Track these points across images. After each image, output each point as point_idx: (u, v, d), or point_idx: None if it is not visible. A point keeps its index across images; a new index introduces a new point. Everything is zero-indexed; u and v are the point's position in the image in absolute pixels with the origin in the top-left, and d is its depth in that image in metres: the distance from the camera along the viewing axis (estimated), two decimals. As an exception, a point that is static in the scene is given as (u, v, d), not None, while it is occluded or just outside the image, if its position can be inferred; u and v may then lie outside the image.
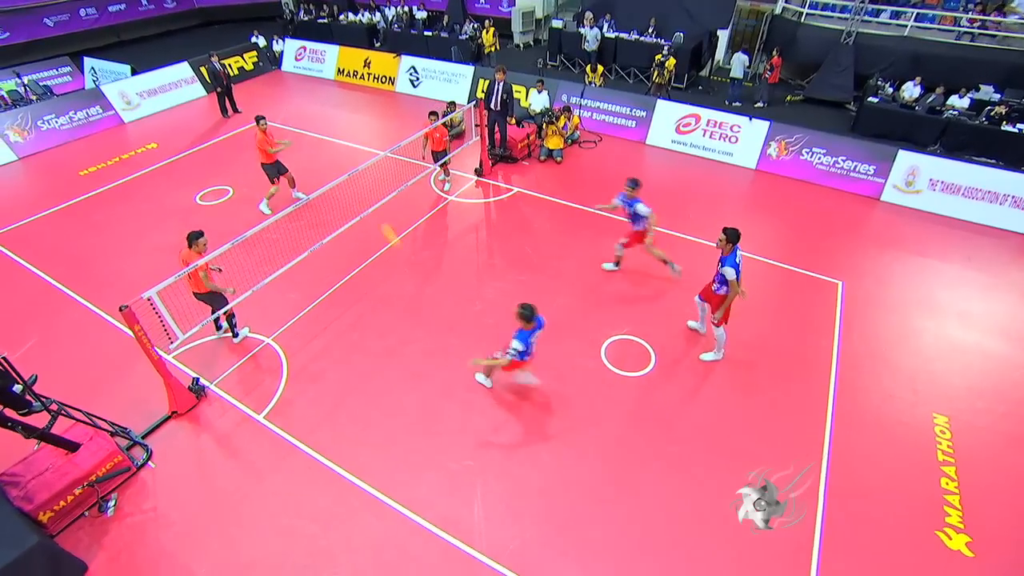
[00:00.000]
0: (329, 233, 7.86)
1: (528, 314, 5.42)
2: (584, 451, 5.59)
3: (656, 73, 13.00)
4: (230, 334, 6.97)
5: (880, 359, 6.69)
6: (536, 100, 11.60)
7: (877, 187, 9.98)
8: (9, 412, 4.71)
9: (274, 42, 17.15)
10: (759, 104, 13.48)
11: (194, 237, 6.10)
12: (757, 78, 14.38)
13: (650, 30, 14.72)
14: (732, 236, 5.74)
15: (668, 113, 11.50)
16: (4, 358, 4.53)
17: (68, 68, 16.35)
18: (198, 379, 6.29)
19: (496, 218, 9.49)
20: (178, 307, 6.48)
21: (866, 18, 13.07)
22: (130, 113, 13.90)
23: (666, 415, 5.97)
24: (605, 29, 15.11)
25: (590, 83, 13.11)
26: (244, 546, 4.88)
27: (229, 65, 15.77)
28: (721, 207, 9.66)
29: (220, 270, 6.74)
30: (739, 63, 13.60)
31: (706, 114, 11.11)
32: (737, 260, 5.83)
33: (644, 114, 11.75)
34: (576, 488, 5.27)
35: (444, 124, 9.68)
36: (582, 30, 14.95)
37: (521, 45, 18.30)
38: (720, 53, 15.29)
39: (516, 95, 12.98)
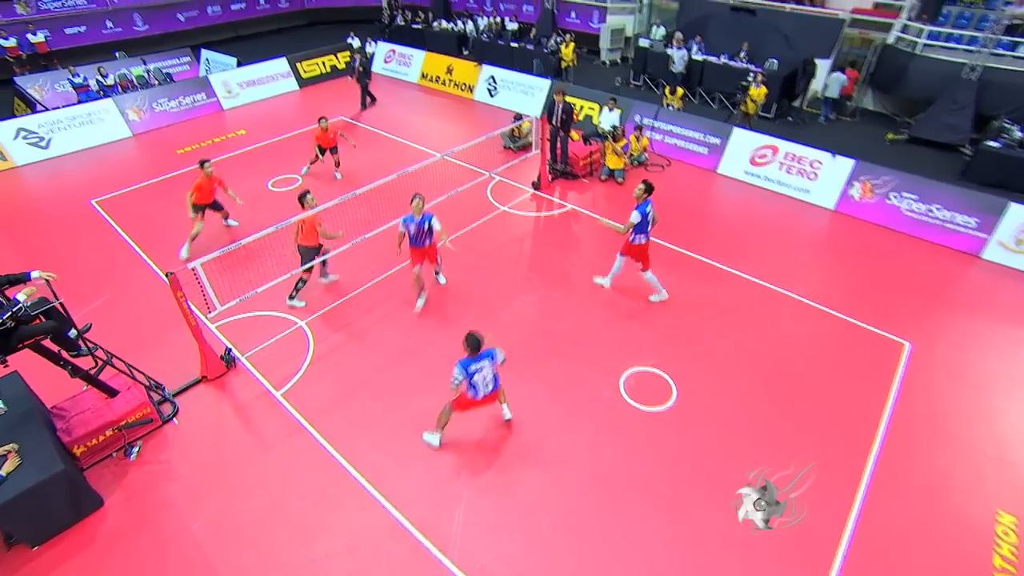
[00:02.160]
0: (378, 226, 8.38)
1: (473, 343, 5.23)
2: (578, 480, 5.58)
3: (741, 100, 12.70)
4: (333, 276, 8.20)
5: (942, 433, 6.12)
6: (606, 118, 11.71)
7: (978, 242, 9.14)
8: (63, 353, 5.49)
9: (368, 44, 18.45)
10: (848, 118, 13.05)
11: (304, 196, 7.22)
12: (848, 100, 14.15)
13: (741, 55, 14.39)
14: (648, 188, 7.14)
15: (743, 142, 11.19)
16: (61, 303, 5.28)
17: (188, 58, 18.48)
18: (230, 350, 6.94)
19: (544, 233, 9.66)
20: (228, 281, 7.22)
21: (997, 51, 12.02)
22: (229, 101, 15.50)
23: (675, 453, 5.82)
24: (694, 51, 14.96)
25: (668, 105, 13.02)
26: (237, 510, 5.32)
27: (323, 63, 17.22)
28: (788, 247, 9.25)
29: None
30: (836, 83, 13.38)
31: (785, 146, 10.70)
32: (647, 210, 7.15)
33: (718, 141, 11.51)
34: (560, 514, 5.27)
35: (512, 135, 9.93)
36: (669, 51, 14.88)
37: (608, 62, 18.48)
38: (818, 83, 14.65)
39: (589, 112, 13.17)
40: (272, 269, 7.57)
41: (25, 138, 12.47)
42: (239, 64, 16.54)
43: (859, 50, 14.61)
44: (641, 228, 7.28)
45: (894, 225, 9.69)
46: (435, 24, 20.17)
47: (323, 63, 17.42)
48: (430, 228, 7.29)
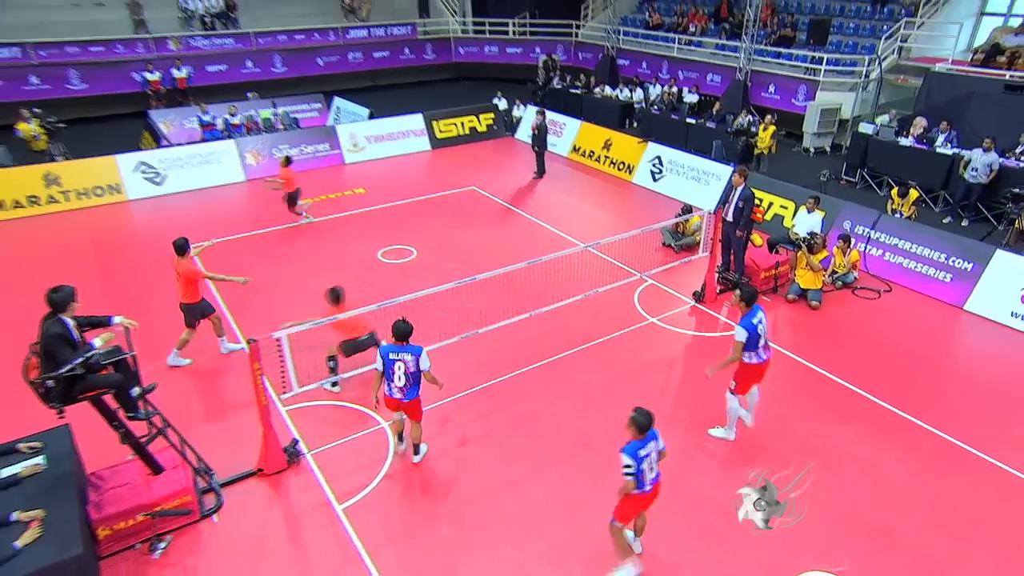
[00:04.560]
0: (495, 322, 8.62)
1: (643, 421, 5.35)
2: None
3: (1015, 214, 11.75)
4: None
5: None
6: (802, 221, 11.36)
7: None
8: (120, 412, 6.07)
9: (515, 107, 20.08)
10: None
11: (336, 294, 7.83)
12: None
13: (1019, 151, 13.44)
14: (747, 296, 6.97)
15: (1014, 271, 10.17)
16: (134, 356, 5.91)
17: (319, 104, 21.37)
18: (297, 442, 7.25)
19: (702, 358, 9.25)
20: (308, 360, 7.71)
21: None
22: (353, 155, 17.48)
23: None
24: (940, 143, 14.33)
25: (894, 212, 12.41)
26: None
27: (461, 123, 18.98)
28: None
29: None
30: None
31: (1079, 284, 9.57)
32: (755, 321, 6.93)
33: (969, 267, 10.59)
34: None
35: (675, 231, 9.92)
36: (966, 153, 13.55)
37: (811, 150, 18.29)
38: None
39: (781, 211, 12.92)
40: (367, 353, 7.97)
41: (143, 172, 14.88)
42: (371, 116, 18.74)
43: None
44: (751, 345, 7.04)
45: None
46: (596, 90, 21.53)
47: (462, 123, 19.20)
48: (418, 369, 6.63)
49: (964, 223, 13.57)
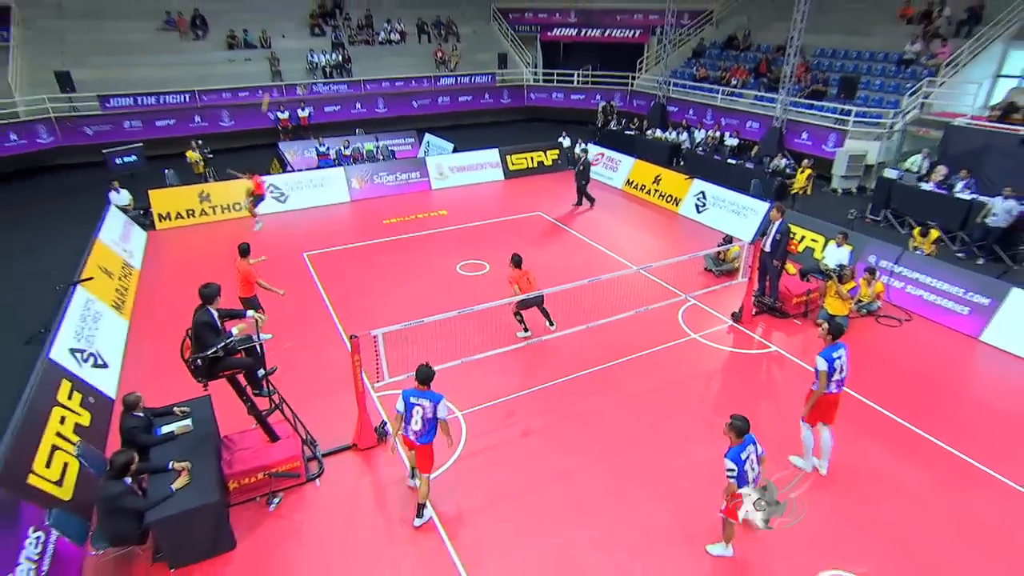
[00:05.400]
0: (556, 331, 8.58)
1: (741, 425, 5.26)
2: None
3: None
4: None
5: None
6: (832, 254, 10.86)
7: None
8: (248, 389, 6.32)
9: (578, 145, 19.98)
10: None
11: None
12: None
13: (1034, 199, 12.54)
14: (835, 330, 6.38)
15: (1026, 309, 9.46)
16: (261, 344, 6.14)
17: (412, 139, 21.81)
18: (385, 423, 7.36)
19: (739, 373, 8.97)
20: (400, 354, 7.81)
21: None
22: (439, 182, 17.74)
23: None
24: (959, 189, 13.48)
25: (915, 249, 11.72)
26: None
27: (531, 158, 19.03)
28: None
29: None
30: None
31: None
32: (836, 355, 6.30)
33: (986, 302, 9.89)
34: None
35: (718, 262, 9.69)
36: (990, 200, 12.54)
37: (840, 190, 17.50)
38: None
39: (812, 244, 12.39)
40: (445, 352, 8.01)
41: (272, 192, 15.48)
42: (455, 150, 19.00)
43: None
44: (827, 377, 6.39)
45: None
46: (648, 132, 21.23)
47: (531, 158, 19.23)
48: (435, 416, 5.86)
49: (980, 261, 12.68)
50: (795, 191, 15.43)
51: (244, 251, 9.00)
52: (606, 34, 28.27)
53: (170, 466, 5.64)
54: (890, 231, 14.47)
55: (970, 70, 17.23)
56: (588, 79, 27.45)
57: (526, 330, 9.55)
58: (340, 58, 24.52)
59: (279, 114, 21.79)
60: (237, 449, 6.50)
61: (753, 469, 5.32)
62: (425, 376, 5.81)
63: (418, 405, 5.77)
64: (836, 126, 18.03)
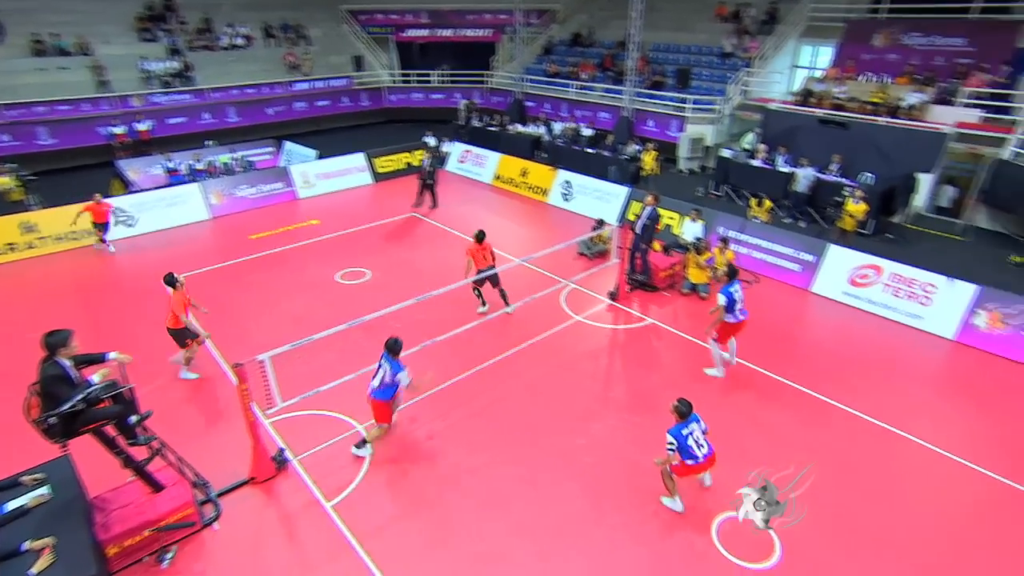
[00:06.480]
0: (446, 331, 8.43)
1: (683, 409, 5.85)
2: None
3: (837, 216, 12.57)
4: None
5: None
6: (689, 229, 11.76)
7: None
8: (119, 440, 5.53)
9: (443, 144, 19.84)
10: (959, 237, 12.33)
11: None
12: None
13: (832, 168, 14.47)
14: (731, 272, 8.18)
15: (841, 261, 10.89)
16: (131, 388, 5.40)
17: (271, 148, 20.37)
18: (283, 450, 6.84)
19: (622, 348, 9.43)
20: (288, 376, 7.28)
21: None
22: (306, 190, 16.76)
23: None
24: (780, 163, 15.19)
25: (753, 218, 13.02)
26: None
27: (399, 159, 18.59)
28: (902, 379, 8.57)
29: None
30: (946, 196, 14.13)
31: (890, 267, 10.31)
32: (732, 290, 7.89)
33: (811, 259, 11.26)
34: None
35: (591, 245, 10.12)
36: (797, 171, 14.54)
37: (686, 171, 19.01)
38: (921, 199, 14.45)
39: (669, 221, 13.32)
40: (336, 366, 7.62)
41: (117, 216, 13.68)
42: (319, 156, 18.04)
43: (964, 164, 14.42)
44: (730, 308, 7.93)
45: (1034, 364, 8.89)
46: (510, 128, 21.59)
47: (399, 159, 18.77)
48: (394, 381, 6.53)
49: (802, 224, 14.42)
50: (645, 174, 16.51)
51: (170, 281, 7.96)
52: (459, 34, 28.31)
53: (24, 548, 4.76)
54: (731, 204, 15.96)
55: (774, 62, 19.68)
56: (446, 78, 27.35)
57: (484, 304, 10.01)
58: (180, 65, 22.24)
59: (113, 129, 19.33)
60: (113, 509, 5.68)
61: (700, 445, 5.90)
62: (393, 347, 6.52)
63: (384, 367, 6.50)
64: (677, 113, 19.54)
